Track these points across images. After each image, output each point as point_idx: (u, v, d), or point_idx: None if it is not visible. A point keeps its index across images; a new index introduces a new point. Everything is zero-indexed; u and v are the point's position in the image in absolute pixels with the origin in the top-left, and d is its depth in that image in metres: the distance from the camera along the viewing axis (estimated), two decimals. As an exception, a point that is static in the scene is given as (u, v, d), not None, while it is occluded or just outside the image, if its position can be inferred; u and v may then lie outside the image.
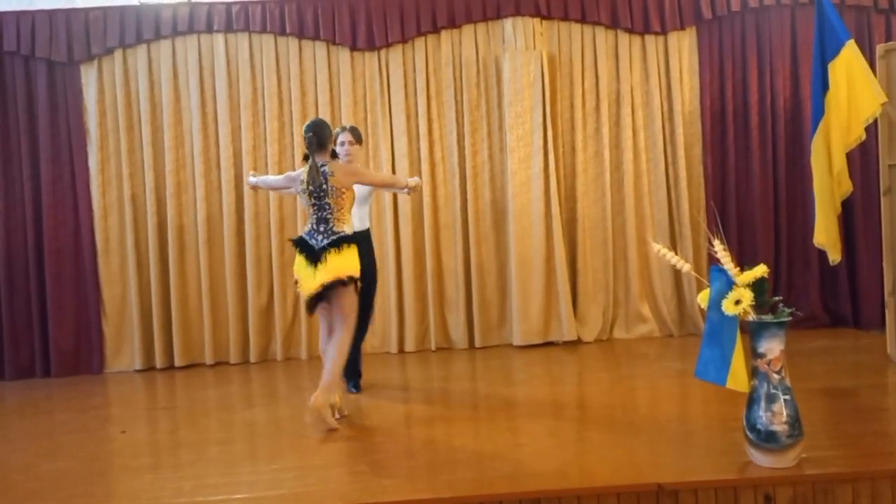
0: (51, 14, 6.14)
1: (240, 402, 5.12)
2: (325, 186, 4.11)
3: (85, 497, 3.18)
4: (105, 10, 6.17)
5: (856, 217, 6.25)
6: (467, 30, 6.38)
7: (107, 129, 6.27)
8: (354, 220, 4.62)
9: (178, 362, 6.20)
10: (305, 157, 4.22)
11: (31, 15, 6.12)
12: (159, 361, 6.21)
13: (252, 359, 6.27)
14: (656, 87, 6.40)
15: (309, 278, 4.09)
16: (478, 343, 6.29)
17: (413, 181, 4.65)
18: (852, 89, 4.70)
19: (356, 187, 4.43)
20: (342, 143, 4.69)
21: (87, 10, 6.17)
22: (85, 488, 3.30)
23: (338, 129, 4.78)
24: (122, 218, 6.28)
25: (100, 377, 6.12)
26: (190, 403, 5.10)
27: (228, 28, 6.26)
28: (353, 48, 6.32)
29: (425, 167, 6.31)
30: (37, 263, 6.20)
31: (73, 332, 6.23)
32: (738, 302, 2.90)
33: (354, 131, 4.81)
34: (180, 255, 6.26)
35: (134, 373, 6.19)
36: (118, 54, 6.25)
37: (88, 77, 6.26)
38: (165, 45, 6.28)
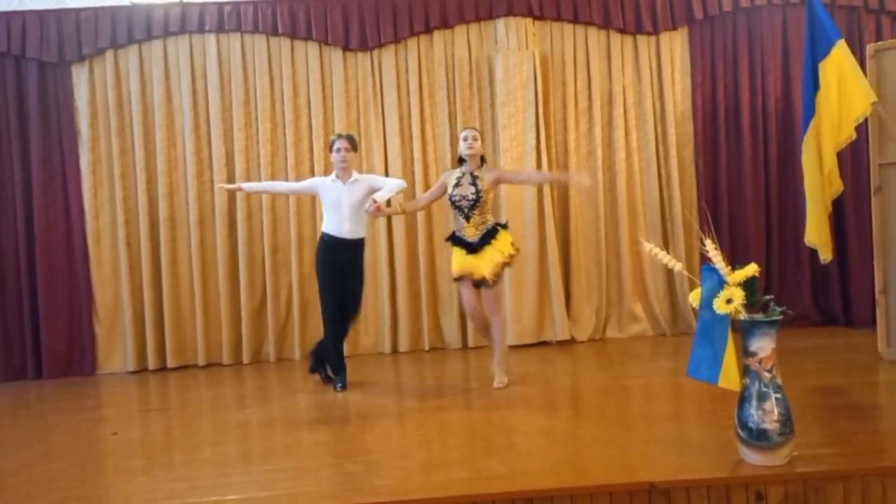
0: (41, 14, 6.12)
1: (233, 402, 5.11)
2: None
3: (78, 499, 3.17)
4: (96, 11, 6.16)
5: (847, 216, 6.29)
6: (460, 30, 6.39)
7: (98, 129, 6.26)
8: (346, 224, 4.89)
9: (170, 363, 6.20)
10: (460, 161, 4.78)
11: (22, 15, 6.10)
12: (152, 363, 6.20)
13: (245, 360, 6.27)
14: (648, 87, 6.43)
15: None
16: (471, 343, 6.30)
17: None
18: (843, 89, 4.73)
19: (353, 193, 4.92)
20: (338, 150, 4.95)
21: (77, 11, 6.15)
22: (78, 490, 3.28)
23: (334, 136, 5.07)
24: (113, 219, 6.27)
25: (92, 379, 6.11)
26: (183, 404, 5.08)
27: (220, 28, 6.26)
28: (346, 48, 6.32)
29: (418, 168, 6.32)
30: (28, 265, 6.18)
31: (65, 334, 6.22)
32: (729, 301, 2.91)
33: (350, 139, 5.04)
34: (172, 257, 6.26)
35: (126, 374, 6.18)
36: (109, 55, 6.24)
37: (80, 78, 6.24)
38: (157, 46, 6.27)
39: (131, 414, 4.88)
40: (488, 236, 4.68)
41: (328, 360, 5.12)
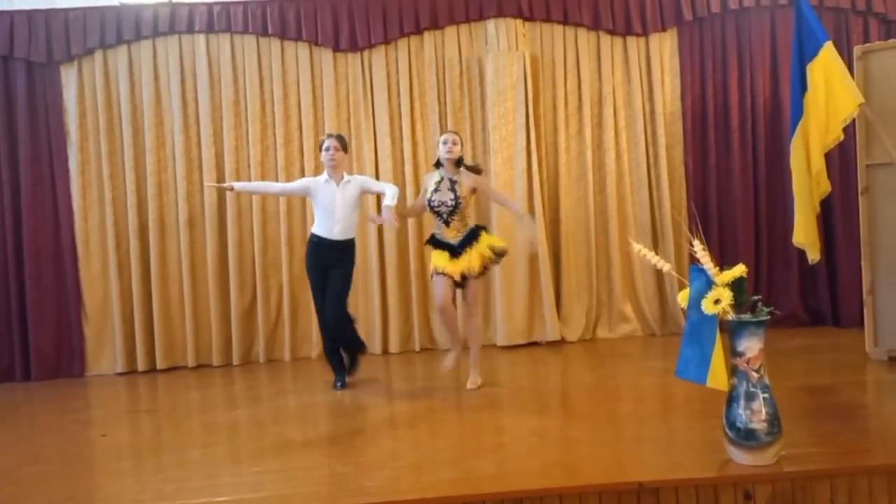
0: (30, 14, 6.09)
1: (222, 404, 5.09)
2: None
3: (66, 501, 3.15)
4: (85, 11, 6.13)
5: (834, 217, 6.33)
6: (450, 31, 6.40)
7: (87, 130, 6.23)
8: (337, 227, 4.90)
9: (159, 365, 6.18)
10: (437, 164, 4.80)
11: (10, 15, 6.07)
12: (141, 364, 6.18)
13: (234, 361, 6.26)
14: (638, 88, 6.45)
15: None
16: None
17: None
18: (830, 90, 4.75)
19: (346, 195, 4.92)
20: (327, 149, 4.96)
21: (66, 11, 6.12)
22: (66, 492, 3.27)
23: (323, 137, 5.06)
24: (102, 220, 6.24)
25: (81, 380, 6.09)
26: (172, 406, 5.06)
27: (210, 29, 6.24)
28: (336, 49, 6.32)
29: (409, 168, 6.32)
30: (16, 266, 6.15)
31: (53, 335, 6.19)
32: (717, 301, 2.92)
33: (340, 139, 5.05)
34: (162, 257, 6.23)
35: (115, 376, 6.16)
36: (98, 55, 6.22)
37: (68, 78, 6.21)
38: (146, 46, 6.25)
39: (120, 415, 4.86)
40: (470, 238, 4.69)
41: (327, 357, 5.13)
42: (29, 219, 6.14)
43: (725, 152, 6.48)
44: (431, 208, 4.72)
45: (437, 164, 4.80)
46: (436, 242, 4.78)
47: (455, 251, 4.68)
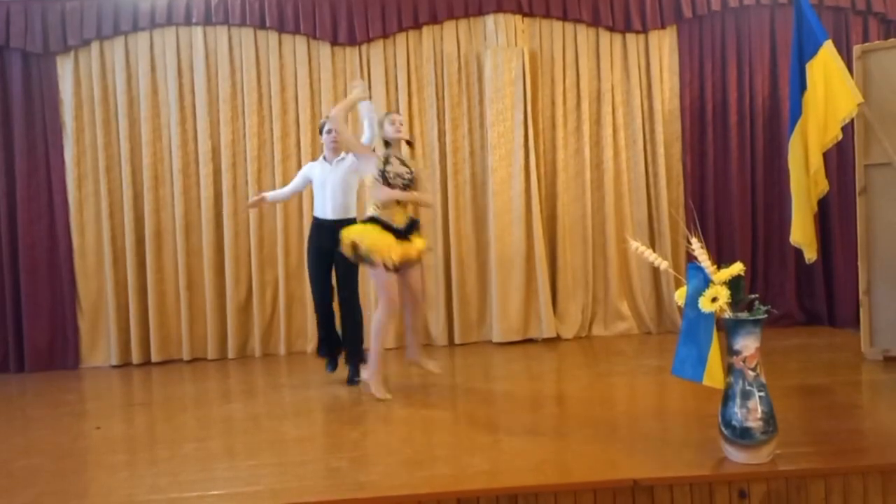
0: (26, 4, 6.06)
1: (217, 398, 5.08)
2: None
3: (59, 494, 3.14)
4: (82, 1, 6.10)
5: (832, 216, 6.33)
6: (449, 26, 6.38)
7: (83, 121, 6.20)
8: (329, 203, 4.92)
9: (154, 358, 6.16)
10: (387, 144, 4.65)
11: (6, 5, 6.04)
12: (135, 357, 6.16)
13: (230, 355, 6.24)
14: (637, 85, 6.44)
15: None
16: (457, 340, 6.30)
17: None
18: (829, 89, 4.74)
19: (337, 172, 4.90)
20: (329, 132, 4.96)
21: (63, 1, 6.09)
22: (58, 485, 3.25)
23: (323, 119, 5.08)
24: (98, 212, 6.22)
25: (75, 373, 6.07)
26: (166, 399, 5.05)
27: (207, 21, 6.21)
28: (334, 43, 6.30)
29: (406, 163, 6.30)
30: (11, 258, 6.12)
31: (47, 328, 6.17)
32: (714, 299, 2.91)
33: None
34: (157, 250, 6.21)
35: (110, 368, 6.14)
36: (95, 46, 6.18)
37: (64, 69, 6.18)
38: (143, 38, 6.22)
39: (114, 408, 4.84)
40: (413, 227, 4.61)
41: (319, 346, 5.15)
42: (24, 211, 6.12)
43: (723, 151, 6.48)
44: (387, 181, 4.48)
45: (386, 144, 4.62)
46: (381, 223, 4.51)
47: (401, 235, 4.51)
